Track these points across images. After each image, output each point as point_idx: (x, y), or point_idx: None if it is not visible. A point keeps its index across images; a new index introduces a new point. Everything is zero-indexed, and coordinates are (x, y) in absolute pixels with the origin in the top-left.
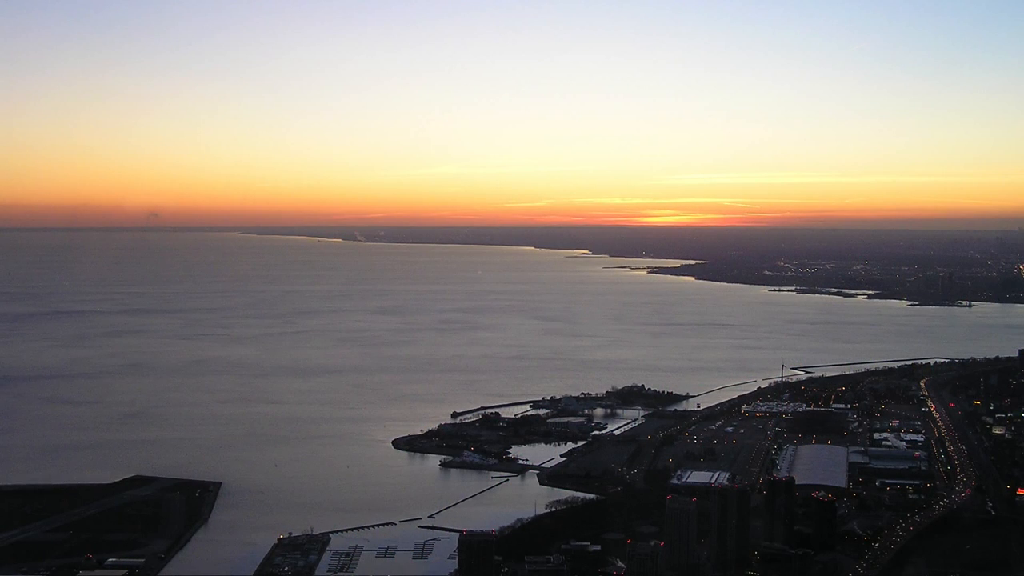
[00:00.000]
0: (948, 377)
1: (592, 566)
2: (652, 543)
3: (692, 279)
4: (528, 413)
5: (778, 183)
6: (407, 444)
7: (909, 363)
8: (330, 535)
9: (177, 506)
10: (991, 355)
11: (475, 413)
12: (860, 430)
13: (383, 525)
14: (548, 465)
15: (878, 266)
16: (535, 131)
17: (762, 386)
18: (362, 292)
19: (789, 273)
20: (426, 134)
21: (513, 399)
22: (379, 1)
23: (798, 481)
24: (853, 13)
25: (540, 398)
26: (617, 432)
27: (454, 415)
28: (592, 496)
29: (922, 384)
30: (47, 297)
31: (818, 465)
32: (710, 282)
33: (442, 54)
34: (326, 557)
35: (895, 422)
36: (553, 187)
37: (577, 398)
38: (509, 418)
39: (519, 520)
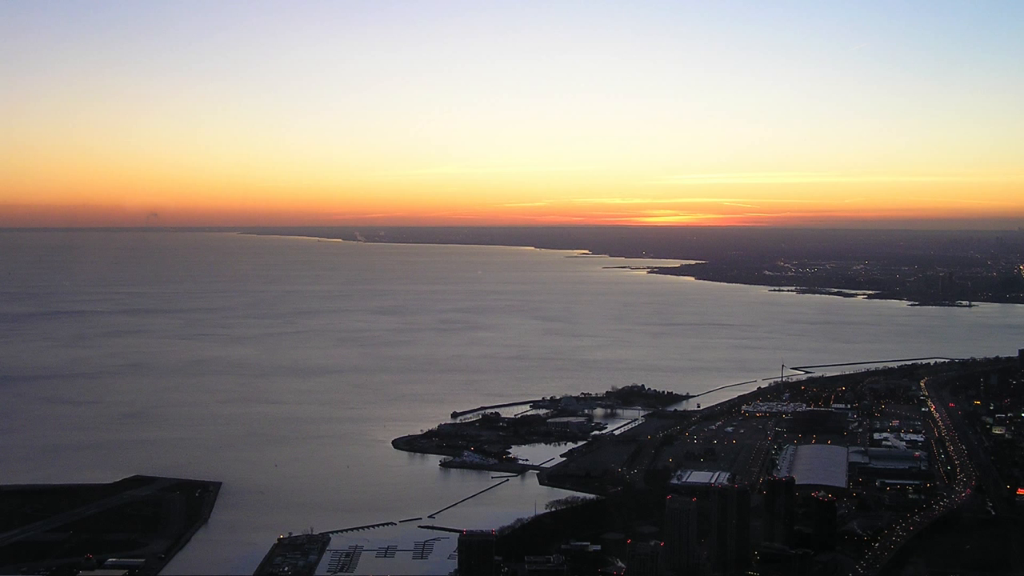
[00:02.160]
0: (948, 377)
1: (592, 566)
2: (652, 543)
3: (692, 279)
4: (528, 413)
5: (778, 183)
6: (407, 444)
7: (909, 363)
8: (330, 535)
9: (177, 506)
10: (991, 355)
11: (475, 413)
12: (860, 430)
13: (383, 525)
14: (548, 465)
15: (878, 266)
16: (535, 131)
17: (762, 386)
18: (362, 292)
19: (789, 273)
20: (426, 134)
21: (513, 399)
22: (379, 1)
23: (798, 481)
24: (853, 13)
25: (540, 398)
26: (617, 432)
27: (454, 415)
28: (592, 496)
29: (922, 384)
30: (47, 297)
31: (818, 465)
32: (710, 282)
33: (442, 54)
34: (326, 557)
35: (895, 422)
36: (553, 187)
37: (577, 398)
38: (509, 418)
39: (519, 520)
